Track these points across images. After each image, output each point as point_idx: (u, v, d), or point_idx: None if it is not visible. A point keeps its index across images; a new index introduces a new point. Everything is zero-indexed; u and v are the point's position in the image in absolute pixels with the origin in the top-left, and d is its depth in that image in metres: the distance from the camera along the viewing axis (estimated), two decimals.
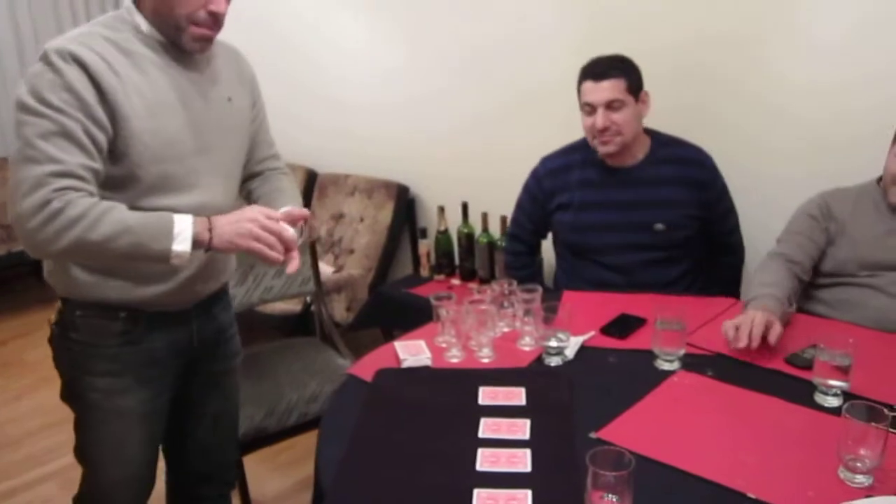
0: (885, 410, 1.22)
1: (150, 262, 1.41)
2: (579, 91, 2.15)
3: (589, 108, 2.12)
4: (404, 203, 3.33)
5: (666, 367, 1.63)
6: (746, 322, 1.67)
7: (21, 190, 1.32)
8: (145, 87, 1.43)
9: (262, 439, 2.18)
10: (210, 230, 1.39)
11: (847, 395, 1.45)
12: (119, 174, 1.42)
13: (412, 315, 2.31)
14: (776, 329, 1.66)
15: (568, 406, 1.48)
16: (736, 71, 2.36)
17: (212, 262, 1.63)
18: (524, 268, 2.43)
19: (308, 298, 2.86)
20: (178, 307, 1.62)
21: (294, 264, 1.48)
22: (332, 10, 3.48)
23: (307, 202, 3.66)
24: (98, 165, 1.38)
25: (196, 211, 1.43)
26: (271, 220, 1.43)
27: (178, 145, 1.48)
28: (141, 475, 1.67)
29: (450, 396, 1.52)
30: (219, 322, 1.76)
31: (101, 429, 1.60)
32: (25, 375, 2.10)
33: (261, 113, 1.77)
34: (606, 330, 1.80)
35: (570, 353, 1.69)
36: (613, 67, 2.11)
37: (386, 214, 3.31)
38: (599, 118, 2.09)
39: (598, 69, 2.12)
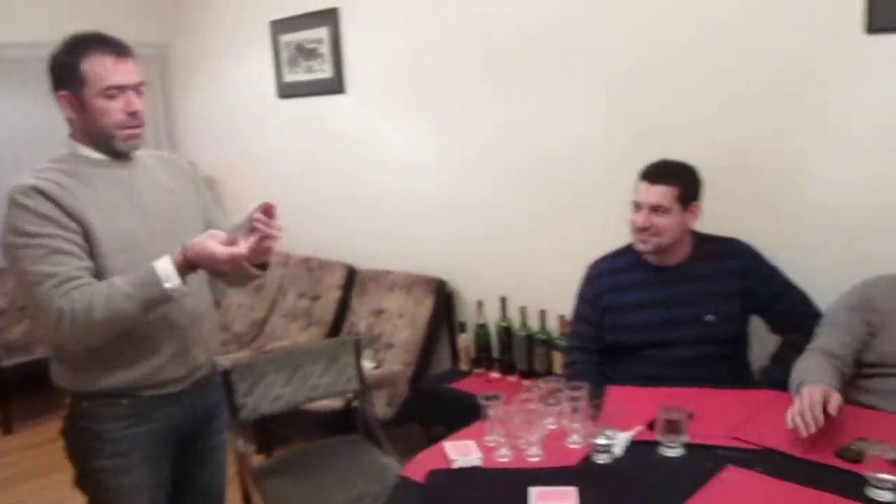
0: None
1: (159, 307, 1.65)
2: (635, 186, 2.24)
3: (636, 206, 2.21)
4: (443, 298, 3.40)
5: (670, 453, 1.68)
6: (805, 403, 1.68)
7: (40, 315, 1.62)
8: (95, 196, 1.70)
9: None
10: (185, 256, 1.62)
11: None
12: (94, 267, 1.67)
13: (453, 409, 2.34)
14: (835, 398, 1.68)
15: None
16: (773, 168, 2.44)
17: (189, 335, 1.82)
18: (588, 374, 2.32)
19: (351, 396, 2.90)
20: (173, 388, 1.81)
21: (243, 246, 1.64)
22: (375, 121, 3.66)
23: (346, 299, 3.76)
24: (88, 263, 1.65)
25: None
26: (221, 254, 1.61)
27: (134, 235, 1.73)
28: None
29: (501, 497, 1.55)
30: (209, 402, 1.96)
31: None
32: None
33: (209, 202, 2.02)
34: (652, 426, 1.81)
35: (618, 449, 1.70)
36: (669, 174, 2.20)
37: (425, 309, 3.37)
38: (641, 217, 2.18)
39: (655, 172, 2.21)
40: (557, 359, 2.93)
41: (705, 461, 1.65)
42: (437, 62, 3.32)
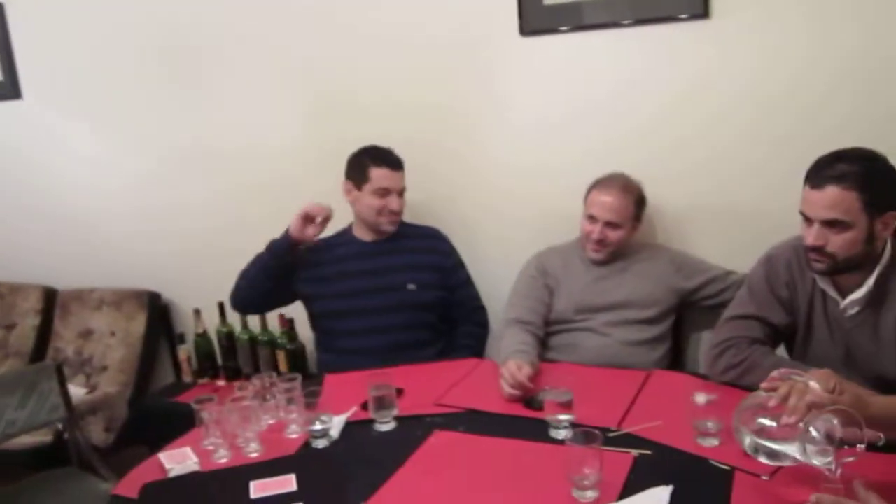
0: (598, 433, 1.45)
1: None
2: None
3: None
4: (157, 311, 3.25)
5: (384, 428, 1.81)
6: (506, 377, 1.89)
7: None
8: None
9: None
10: None
11: (575, 426, 1.69)
12: None
13: (179, 424, 2.26)
14: (525, 369, 1.90)
15: (338, 482, 1.57)
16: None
17: None
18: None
19: (60, 426, 2.67)
20: None
21: None
22: (58, 129, 3.37)
23: (48, 323, 3.43)
24: None
25: None
26: None
27: None
28: None
29: (220, 498, 1.54)
30: None
31: None
32: None
33: None
34: (366, 406, 1.91)
35: (335, 432, 1.78)
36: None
37: (138, 325, 3.20)
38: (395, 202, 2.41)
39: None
40: (282, 358, 2.94)
41: (415, 430, 1.78)
42: (112, 61, 3.18)
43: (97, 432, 2.94)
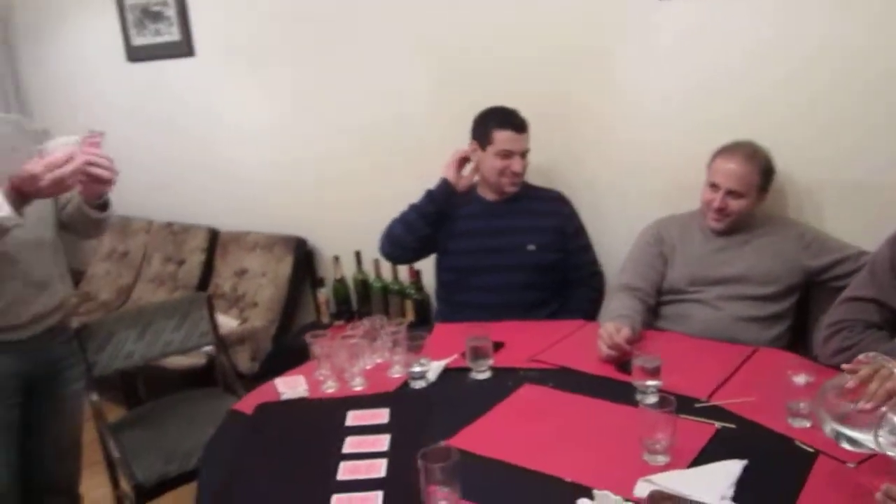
0: (672, 399, 1.46)
1: None
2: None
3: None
4: (303, 255, 3.52)
5: (480, 376, 1.90)
6: (604, 337, 1.93)
7: None
8: None
9: (166, 483, 2.28)
10: (12, 183, 1.66)
11: (662, 393, 1.70)
12: None
13: None
14: (624, 331, 1.92)
15: (425, 420, 1.68)
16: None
17: (31, 283, 1.91)
18: None
19: (211, 351, 2.99)
20: (15, 335, 1.91)
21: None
22: (223, 85, 3.71)
23: (210, 261, 3.82)
24: None
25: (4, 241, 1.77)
26: (37, 170, 1.64)
27: None
28: (1, 488, 1.96)
29: (321, 422, 1.71)
30: (57, 352, 2.08)
31: None
32: None
33: None
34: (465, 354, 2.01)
35: (432, 376, 1.89)
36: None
37: (286, 267, 3.48)
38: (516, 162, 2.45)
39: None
40: (410, 307, 3.11)
41: (507, 381, 1.86)
42: (275, 26, 3.40)
43: (244, 361, 3.26)
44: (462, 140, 2.56)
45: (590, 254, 2.59)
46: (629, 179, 2.61)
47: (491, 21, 2.76)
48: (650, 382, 1.71)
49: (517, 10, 2.69)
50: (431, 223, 2.53)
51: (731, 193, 2.15)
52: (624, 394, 1.75)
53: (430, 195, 2.54)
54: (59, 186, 1.68)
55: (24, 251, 1.88)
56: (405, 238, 2.55)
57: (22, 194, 1.68)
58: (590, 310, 2.51)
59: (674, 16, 2.38)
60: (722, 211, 2.17)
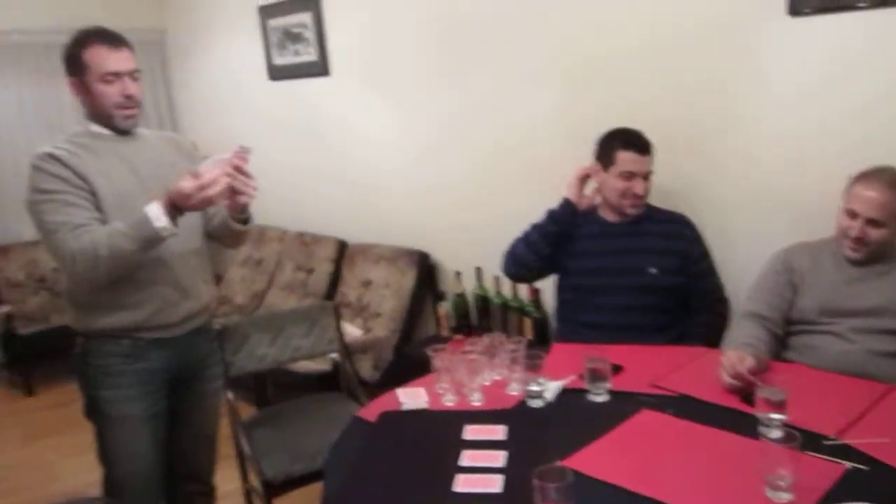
0: (797, 434, 1.42)
1: (153, 245, 1.91)
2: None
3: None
4: (425, 269, 3.62)
5: (597, 399, 1.89)
6: (726, 365, 1.90)
7: (58, 258, 1.93)
8: (100, 163, 2.00)
9: (292, 482, 2.41)
10: (168, 198, 1.87)
11: (787, 428, 1.65)
12: (101, 220, 1.97)
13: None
14: (748, 361, 1.88)
15: (542, 440, 1.71)
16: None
17: (181, 286, 2.10)
18: None
19: (336, 357, 3.12)
20: (166, 333, 2.10)
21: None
22: (356, 103, 3.90)
23: (338, 271, 3.99)
24: (97, 214, 1.95)
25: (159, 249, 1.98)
26: (187, 186, 1.86)
27: (131, 196, 1.99)
28: (148, 470, 2.15)
29: (439, 434, 1.77)
30: (202, 350, 2.27)
31: (114, 431, 2.11)
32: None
33: None
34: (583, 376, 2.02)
35: (549, 395, 1.92)
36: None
37: (409, 280, 3.59)
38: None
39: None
40: (528, 325, 3.14)
41: (625, 406, 1.86)
42: (407, 50, 3.55)
43: (366, 368, 3.39)
44: (584, 161, 2.57)
45: (714, 279, 2.53)
46: (757, 203, 2.54)
47: (617, 49, 2.77)
48: (774, 416, 1.66)
49: (641, 38, 2.69)
50: (553, 242, 2.55)
51: (870, 222, 2.06)
52: (746, 426, 1.70)
53: (552, 214, 2.56)
54: (207, 203, 1.90)
55: (176, 258, 2.08)
56: (527, 257, 2.59)
57: (176, 207, 1.89)
58: (713, 337, 2.45)
59: (807, 39, 2.31)
60: (860, 240, 2.08)
